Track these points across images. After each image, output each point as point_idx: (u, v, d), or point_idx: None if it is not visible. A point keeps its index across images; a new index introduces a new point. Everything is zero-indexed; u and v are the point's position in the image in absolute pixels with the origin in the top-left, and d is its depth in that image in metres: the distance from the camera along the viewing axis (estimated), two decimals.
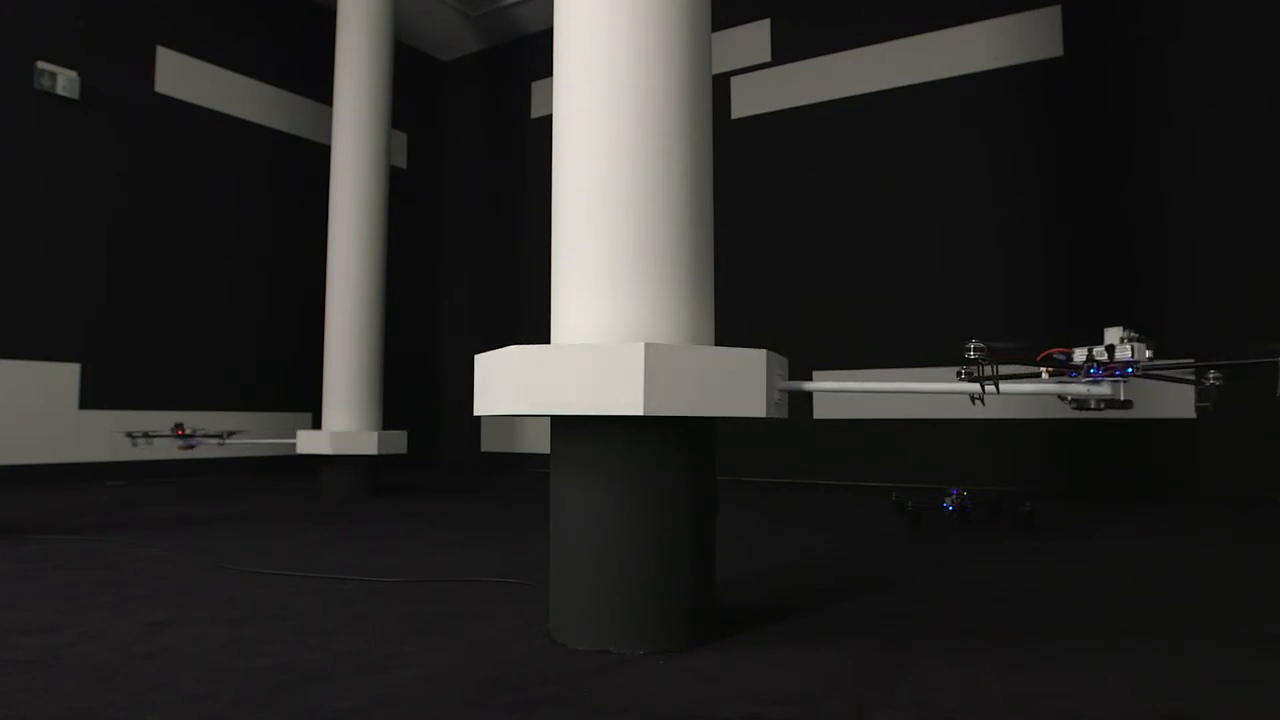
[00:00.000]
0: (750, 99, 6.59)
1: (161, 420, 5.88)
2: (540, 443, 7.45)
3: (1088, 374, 1.80)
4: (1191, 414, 4.88)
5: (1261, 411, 4.64)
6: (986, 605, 2.04)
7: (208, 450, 5.80)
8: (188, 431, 4.86)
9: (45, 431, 5.39)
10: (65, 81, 5.50)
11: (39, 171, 5.45)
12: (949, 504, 3.73)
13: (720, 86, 6.63)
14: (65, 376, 5.51)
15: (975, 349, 1.79)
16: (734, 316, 5.13)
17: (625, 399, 1.56)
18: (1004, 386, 1.81)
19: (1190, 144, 5.04)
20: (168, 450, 5.75)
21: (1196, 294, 4.92)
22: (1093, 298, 5.23)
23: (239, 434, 5.22)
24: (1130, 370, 1.77)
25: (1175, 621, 1.89)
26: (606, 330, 1.70)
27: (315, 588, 2.23)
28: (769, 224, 6.40)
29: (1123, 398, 1.80)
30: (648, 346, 1.56)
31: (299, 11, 7.15)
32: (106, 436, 5.68)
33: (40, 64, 5.41)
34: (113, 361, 5.77)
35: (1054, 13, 5.51)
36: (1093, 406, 1.84)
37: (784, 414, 1.83)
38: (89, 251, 5.70)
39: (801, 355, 5.69)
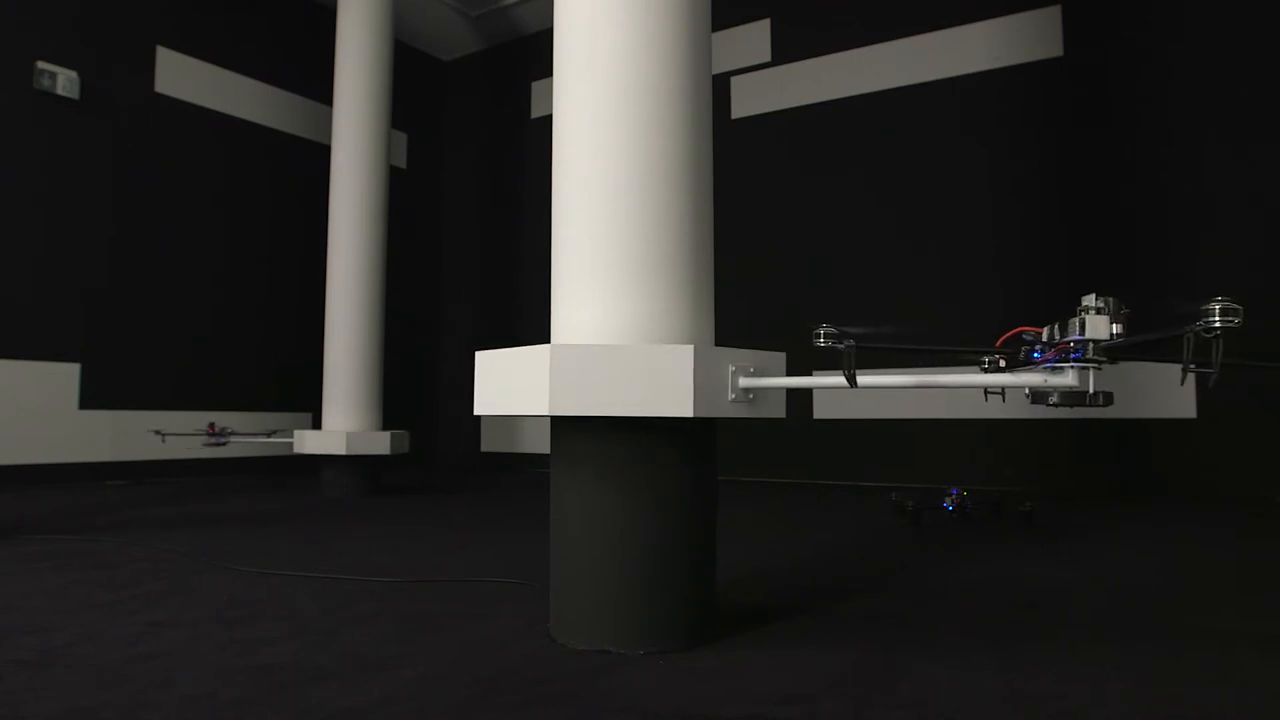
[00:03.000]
0: (750, 99, 6.59)
1: (159, 420, 5.89)
2: (540, 443, 7.45)
3: (1030, 358, 1.46)
4: (1192, 414, 4.87)
5: (1262, 411, 4.64)
6: (986, 605, 2.04)
7: (208, 450, 5.81)
8: (218, 429, 5.13)
9: (45, 431, 5.39)
10: (65, 81, 5.50)
11: (38, 171, 5.44)
12: (949, 504, 3.73)
13: (720, 86, 6.62)
14: (65, 376, 5.51)
15: (826, 335, 1.62)
16: (734, 315, 5.12)
17: (537, 400, 1.60)
18: (872, 380, 1.57)
19: (1191, 143, 5.03)
20: (169, 450, 5.78)
21: (1199, 294, 4.91)
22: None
23: (278, 433, 5.29)
24: (1078, 355, 1.37)
25: (1175, 621, 1.89)
26: (606, 329, 1.70)
27: (315, 588, 2.23)
28: (769, 224, 6.40)
29: (1092, 389, 1.39)
30: (554, 348, 1.59)
31: (299, 11, 7.14)
32: (140, 436, 5.75)
33: (40, 64, 5.40)
34: (113, 361, 5.77)
35: (1054, 13, 5.50)
36: (1051, 402, 1.44)
37: (761, 414, 1.71)
38: (89, 251, 5.69)
39: (802, 354, 5.69)
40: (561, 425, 1.76)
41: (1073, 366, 1.39)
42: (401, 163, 7.93)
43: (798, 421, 6.02)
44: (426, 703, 1.34)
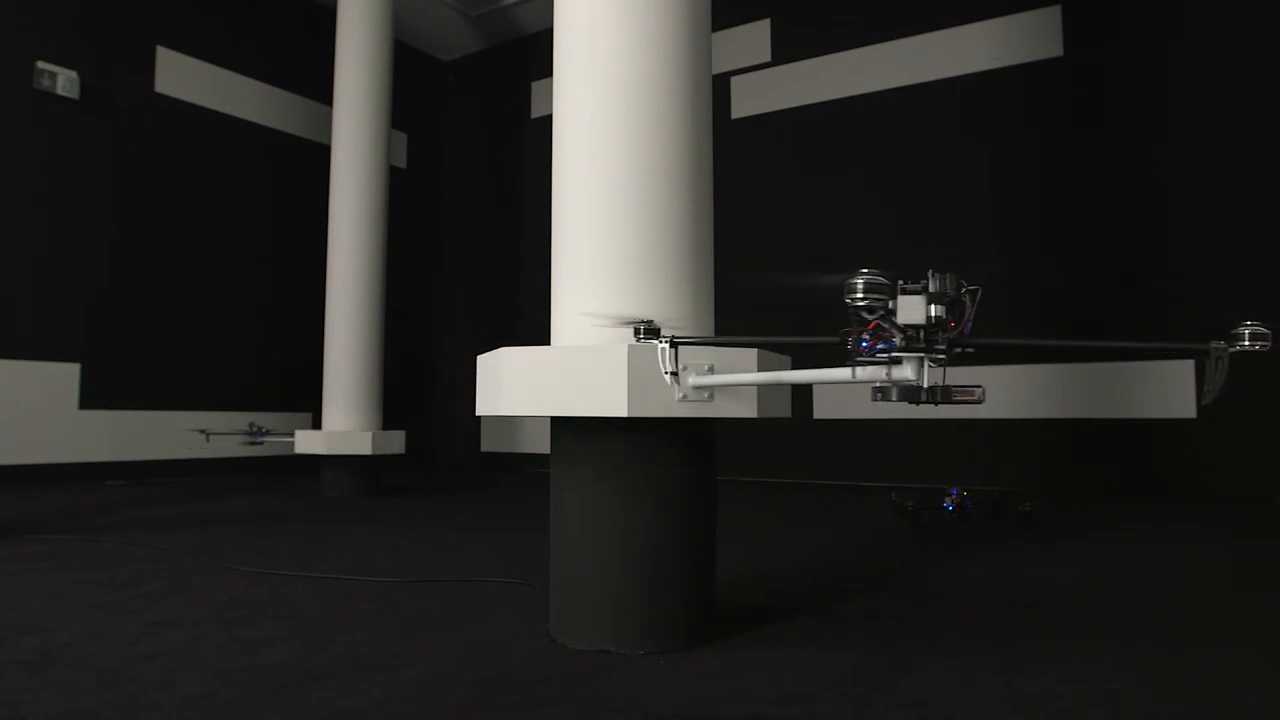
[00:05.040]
0: (750, 99, 6.59)
1: (160, 420, 5.89)
2: (540, 443, 7.44)
3: (859, 348, 1.26)
4: (1192, 414, 4.87)
5: (1261, 412, 4.63)
6: (986, 605, 2.04)
7: (208, 450, 5.83)
8: (256, 429, 5.43)
9: (45, 431, 5.39)
10: (65, 81, 5.50)
11: (38, 171, 5.44)
12: (949, 504, 3.73)
13: (720, 86, 6.62)
14: (65, 376, 5.51)
15: (646, 331, 1.57)
16: (734, 315, 5.13)
17: (503, 400, 1.68)
18: (718, 380, 1.48)
19: (1191, 143, 5.03)
20: (169, 450, 5.80)
21: (1198, 294, 4.91)
22: (1092, 297, 5.23)
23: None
24: (893, 343, 1.18)
25: (1175, 621, 1.89)
26: (606, 330, 1.70)
27: (315, 588, 2.23)
28: (769, 224, 6.40)
29: (926, 384, 1.20)
30: (507, 351, 1.66)
31: (299, 11, 7.14)
32: (180, 436, 5.87)
33: (40, 64, 5.40)
34: (113, 361, 5.76)
35: (1054, 13, 5.50)
36: (891, 399, 1.24)
37: (725, 413, 1.63)
38: (89, 251, 5.69)
39: (801, 354, 5.68)
40: (561, 425, 1.77)
41: (917, 360, 1.20)
42: (401, 163, 7.93)
43: (798, 421, 6.02)
44: (426, 703, 1.34)
